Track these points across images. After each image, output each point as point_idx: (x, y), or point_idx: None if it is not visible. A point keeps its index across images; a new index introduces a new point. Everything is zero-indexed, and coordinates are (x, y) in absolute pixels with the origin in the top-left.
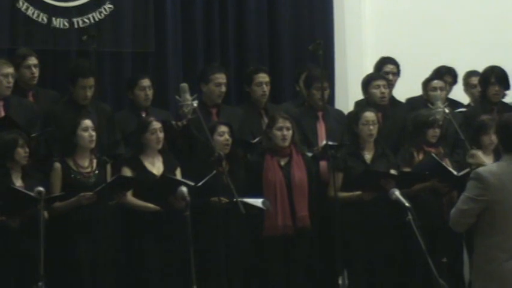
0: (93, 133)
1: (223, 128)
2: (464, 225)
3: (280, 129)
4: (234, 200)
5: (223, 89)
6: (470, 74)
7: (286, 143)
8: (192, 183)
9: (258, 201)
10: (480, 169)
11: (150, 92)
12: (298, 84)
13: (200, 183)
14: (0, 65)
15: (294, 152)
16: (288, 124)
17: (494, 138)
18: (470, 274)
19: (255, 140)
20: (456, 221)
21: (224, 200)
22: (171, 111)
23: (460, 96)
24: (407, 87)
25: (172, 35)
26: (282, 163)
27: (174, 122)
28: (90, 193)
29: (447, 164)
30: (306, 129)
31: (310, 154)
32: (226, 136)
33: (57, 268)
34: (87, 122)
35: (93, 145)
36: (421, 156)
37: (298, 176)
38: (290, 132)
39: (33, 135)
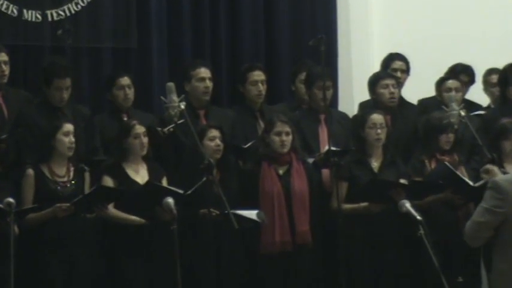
0: (73, 139)
1: (214, 133)
2: (481, 239)
3: (279, 134)
4: (226, 212)
5: (208, 84)
6: (490, 71)
7: (285, 150)
8: (180, 191)
9: (252, 213)
10: (498, 178)
11: (130, 92)
12: (293, 84)
13: (189, 192)
14: None
15: (294, 159)
16: (287, 128)
17: None
18: None
19: (247, 145)
20: (472, 234)
21: (215, 212)
22: (156, 114)
23: (479, 97)
24: (418, 88)
25: (157, 30)
26: (281, 172)
27: (159, 129)
28: (67, 204)
29: (462, 173)
30: (307, 133)
31: (311, 160)
32: (218, 141)
33: None
34: (69, 127)
35: (71, 153)
36: (433, 165)
37: (298, 186)
38: (289, 137)
39: (2, 137)
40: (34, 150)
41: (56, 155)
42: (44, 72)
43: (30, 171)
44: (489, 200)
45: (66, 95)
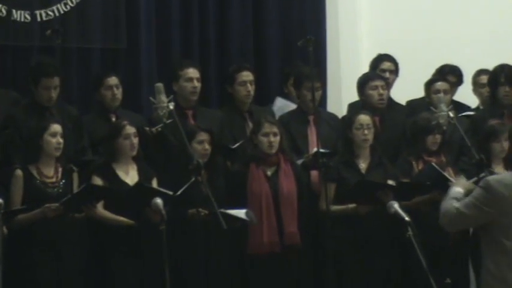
0: (61, 140)
1: (203, 136)
2: (459, 227)
3: (267, 135)
4: (215, 212)
5: (196, 84)
6: (479, 72)
7: (273, 151)
8: (170, 193)
9: (240, 212)
10: (491, 178)
11: (118, 92)
12: (286, 87)
13: (179, 192)
14: None
15: (282, 160)
16: (275, 129)
17: (505, 145)
18: None
19: (235, 145)
20: (452, 221)
21: (203, 211)
22: (144, 114)
23: (468, 98)
24: (407, 89)
25: (146, 30)
26: (269, 173)
27: (147, 128)
28: (56, 204)
29: (450, 174)
30: (295, 134)
31: (300, 161)
32: (206, 145)
33: None
34: (56, 127)
35: (59, 153)
36: (420, 166)
37: (286, 187)
38: (277, 138)
39: None
40: (22, 150)
41: (44, 156)
42: (32, 71)
43: (19, 172)
44: (478, 197)
45: (54, 94)
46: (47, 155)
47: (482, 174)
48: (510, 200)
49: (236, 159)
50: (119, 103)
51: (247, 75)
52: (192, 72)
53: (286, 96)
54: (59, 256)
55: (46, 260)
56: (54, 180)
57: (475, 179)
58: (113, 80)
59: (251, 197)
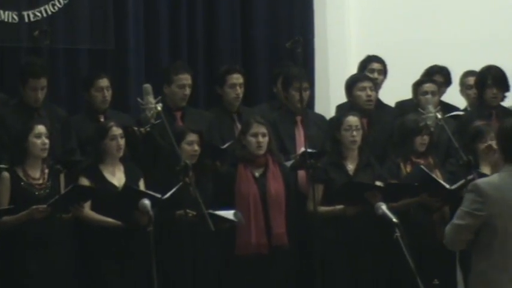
0: (47, 141)
1: (192, 137)
2: (462, 243)
3: (255, 135)
4: (203, 213)
5: (187, 91)
6: (467, 73)
7: (262, 151)
8: (158, 195)
9: (229, 213)
10: (479, 180)
11: (108, 93)
12: (275, 86)
13: (167, 195)
14: None
15: (271, 161)
16: (263, 130)
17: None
18: None
19: (226, 145)
20: (452, 238)
21: (191, 212)
22: (132, 115)
23: (456, 99)
24: (396, 90)
25: (134, 31)
26: (257, 174)
27: (136, 128)
28: (44, 206)
29: (437, 175)
30: (283, 135)
31: (289, 163)
32: (195, 146)
33: None
34: (41, 128)
35: (45, 154)
36: (408, 168)
37: (274, 188)
38: (266, 139)
39: None
40: (9, 152)
41: (30, 157)
42: (20, 72)
43: (6, 174)
44: (469, 203)
45: (41, 95)
46: (33, 157)
47: (470, 176)
48: (499, 202)
49: (226, 159)
50: (108, 105)
51: (237, 78)
52: (186, 79)
53: (276, 96)
54: (47, 256)
55: (33, 260)
56: (40, 181)
57: (462, 181)
58: (104, 82)
59: (239, 198)
